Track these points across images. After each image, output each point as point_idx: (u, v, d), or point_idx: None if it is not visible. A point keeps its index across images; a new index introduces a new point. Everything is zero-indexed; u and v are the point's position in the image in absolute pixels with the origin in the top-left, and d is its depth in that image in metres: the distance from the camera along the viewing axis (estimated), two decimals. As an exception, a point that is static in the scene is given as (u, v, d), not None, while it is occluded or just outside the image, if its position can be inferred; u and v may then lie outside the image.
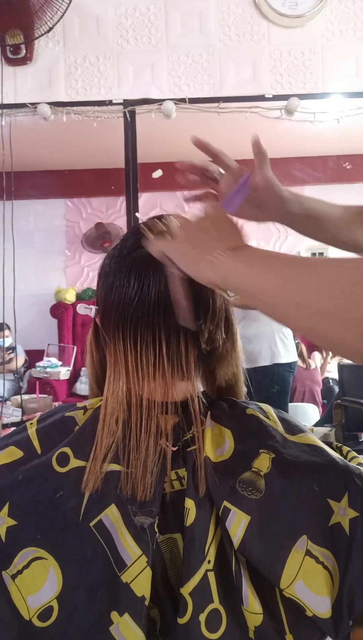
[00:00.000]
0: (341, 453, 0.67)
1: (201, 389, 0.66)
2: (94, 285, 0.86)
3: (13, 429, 0.76)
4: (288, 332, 2.61)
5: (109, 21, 2.45)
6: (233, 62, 2.44)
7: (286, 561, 0.54)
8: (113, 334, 0.62)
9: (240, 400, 0.68)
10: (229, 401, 0.66)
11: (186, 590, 0.53)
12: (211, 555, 0.55)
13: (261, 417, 0.64)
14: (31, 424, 0.67)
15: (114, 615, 0.53)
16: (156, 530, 0.56)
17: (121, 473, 0.58)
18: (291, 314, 0.47)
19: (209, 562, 0.55)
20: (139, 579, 0.54)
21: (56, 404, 2.80)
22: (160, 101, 2.40)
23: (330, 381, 3.70)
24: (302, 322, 0.47)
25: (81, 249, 4.13)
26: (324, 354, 3.92)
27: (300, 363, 3.37)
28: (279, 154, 3.50)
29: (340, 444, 0.70)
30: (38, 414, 0.74)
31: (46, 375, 3.63)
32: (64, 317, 3.99)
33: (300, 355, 3.51)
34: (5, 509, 0.58)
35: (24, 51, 2.38)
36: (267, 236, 3.96)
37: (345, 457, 0.65)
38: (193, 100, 2.41)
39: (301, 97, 2.40)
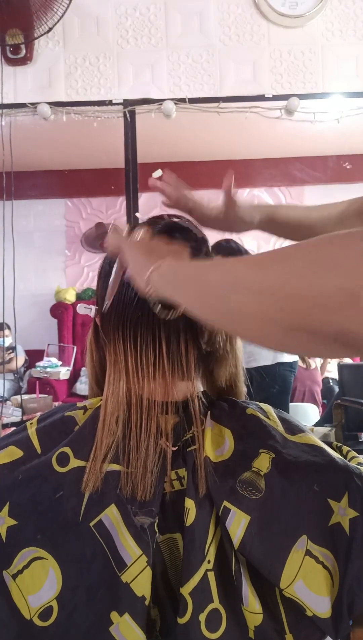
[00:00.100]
0: (341, 453, 0.67)
1: (201, 389, 0.66)
2: (94, 285, 0.86)
3: (13, 429, 0.76)
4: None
5: (109, 21, 2.45)
6: (233, 62, 2.44)
7: (286, 561, 0.54)
8: (113, 333, 0.62)
9: (240, 400, 0.68)
10: (229, 401, 0.66)
11: (186, 590, 0.53)
12: (211, 555, 0.55)
13: (261, 417, 0.64)
14: (31, 423, 0.67)
15: (114, 615, 0.53)
16: (156, 530, 0.56)
17: (121, 473, 0.58)
18: (211, 320, 0.51)
19: (209, 562, 0.55)
20: (139, 578, 0.54)
21: (56, 403, 2.80)
22: (160, 101, 2.40)
23: (330, 381, 3.70)
24: (225, 327, 0.51)
25: (81, 249, 4.13)
26: (324, 354, 3.92)
27: (300, 363, 3.37)
28: (279, 154, 3.50)
29: (340, 444, 0.70)
30: (38, 414, 0.74)
31: (46, 375, 3.63)
32: (64, 317, 3.99)
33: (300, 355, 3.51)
34: (6, 508, 0.58)
35: (24, 51, 2.38)
36: (267, 236, 3.95)
37: (345, 457, 0.65)
38: (193, 100, 2.41)
39: (301, 97, 2.40)
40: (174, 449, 0.60)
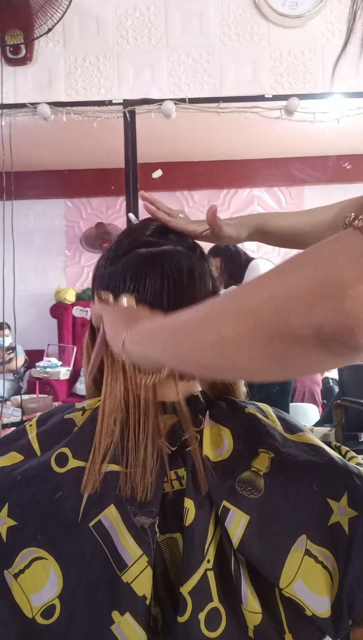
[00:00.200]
0: (340, 453, 0.67)
1: (200, 389, 0.66)
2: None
3: (13, 429, 0.76)
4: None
5: (109, 21, 2.45)
6: (233, 62, 2.44)
7: (286, 561, 0.54)
8: None
9: (239, 399, 0.68)
10: (228, 401, 0.66)
11: (185, 589, 0.54)
12: (210, 554, 0.55)
13: (260, 416, 0.64)
14: (30, 425, 0.67)
15: (115, 614, 0.53)
16: (157, 530, 0.56)
17: (120, 473, 0.58)
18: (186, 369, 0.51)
19: (208, 561, 0.55)
20: (140, 578, 0.54)
21: (56, 404, 2.80)
22: (160, 101, 2.40)
23: (330, 381, 3.70)
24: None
25: (81, 249, 4.13)
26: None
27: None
28: (279, 154, 3.50)
29: (338, 444, 0.70)
30: (38, 414, 0.74)
31: (45, 375, 3.63)
32: (64, 317, 3.99)
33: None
34: (5, 509, 0.58)
35: (24, 51, 2.38)
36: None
37: (344, 457, 0.65)
38: (193, 100, 2.41)
39: (301, 97, 2.40)
40: (173, 449, 0.60)
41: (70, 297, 4.04)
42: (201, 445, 0.59)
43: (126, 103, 2.43)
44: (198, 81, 2.44)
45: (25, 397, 2.64)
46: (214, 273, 0.66)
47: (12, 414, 2.49)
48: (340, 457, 0.63)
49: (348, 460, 0.64)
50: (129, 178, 2.48)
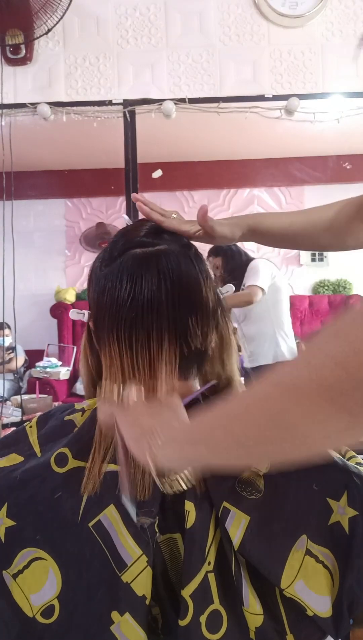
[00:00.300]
0: (340, 452, 0.67)
1: (198, 388, 0.66)
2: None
3: (13, 429, 0.76)
4: (289, 331, 2.61)
5: (109, 21, 2.45)
6: (233, 62, 2.44)
7: (286, 561, 0.54)
8: (107, 336, 0.62)
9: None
10: (228, 400, 0.66)
11: (186, 592, 0.53)
12: (211, 556, 0.55)
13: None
14: (30, 427, 0.67)
15: (115, 614, 0.53)
16: (157, 530, 0.56)
17: (119, 473, 0.58)
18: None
19: (209, 563, 0.55)
20: (139, 578, 0.54)
21: (56, 404, 2.80)
22: (160, 101, 2.40)
23: (330, 381, 3.69)
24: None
25: (81, 249, 4.13)
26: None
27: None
28: (279, 154, 3.50)
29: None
30: (38, 414, 0.74)
31: (45, 375, 3.63)
32: (64, 317, 3.99)
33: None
34: (4, 509, 0.58)
35: (24, 51, 2.38)
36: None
37: (344, 457, 0.65)
38: (193, 100, 2.41)
39: (301, 97, 2.40)
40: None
41: (70, 297, 4.04)
42: None
43: (126, 103, 2.43)
44: (198, 81, 2.44)
45: (25, 397, 2.64)
46: (210, 272, 0.66)
47: (12, 414, 2.49)
48: (340, 456, 0.63)
49: (348, 459, 0.64)
50: (129, 178, 2.48)
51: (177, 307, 0.60)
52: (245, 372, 2.63)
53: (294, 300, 3.59)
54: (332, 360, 0.36)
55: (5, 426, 2.21)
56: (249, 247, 2.88)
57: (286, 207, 4.03)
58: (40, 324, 3.94)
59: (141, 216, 0.76)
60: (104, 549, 0.55)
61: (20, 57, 2.39)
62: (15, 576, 0.55)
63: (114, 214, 4.03)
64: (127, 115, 2.43)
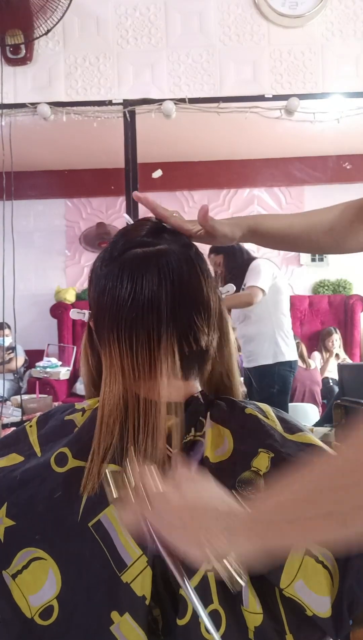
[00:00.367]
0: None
1: (199, 389, 0.66)
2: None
3: (13, 429, 0.76)
4: (288, 332, 2.61)
5: (109, 21, 2.45)
6: (233, 62, 2.44)
7: (286, 561, 0.54)
8: (108, 336, 0.62)
9: (239, 399, 0.68)
10: (228, 401, 0.66)
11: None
12: (211, 555, 0.55)
13: (260, 416, 0.64)
14: (30, 426, 0.66)
15: (114, 615, 0.53)
16: (156, 529, 0.56)
17: (119, 473, 0.58)
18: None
19: (208, 562, 0.55)
20: (139, 578, 0.54)
21: (56, 404, 2.80)
22: (160, 101, 2.40)
23: (330, 381, 3.70)
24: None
25: (80, 249, 4.13)
26: (324, 355, 3.93)
27: (300, 363, 3.37)
28: (279, 154, 3.50)
29: (339, 444, 0.70)
30: (38, 414, 0.74)
31: (45, 375, 3.63)
32: (64, 317, 4.00)
33: (300, 355, 3.51)
34: (4, 509, 0.58)
35: (24, 51, 2.38)
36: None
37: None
38: (193, 100, 2.41)
39: (301, 97, 2.40)
40: (174, 450, 0.60)
41: (70, 297, 4.04)
42: (204, 449, 0.59)
43: (126, 103, 2.43)
44: (198, 81, 2.44)
45: (25, 397, 2.64)
46: (211, 271, 0.66)
47: (12, 414, 2.49)
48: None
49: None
50: (129, 178, 2.48)
51: (178, 307, 0.60)
52: (244, 372, 2.63)
53: (294, 300, 3.59)
54: None
55: (5, 426, 2.21)
56: (249, 247, 2.88)
57: (286, 207, 4.03)
58: (40, 324, 3.94)
59: (141, 215, 0.76)
60: (104, 549, 0.55)
61: (20, 57, 2.39)
62: (14, 576, 0.55)
63: (114, 214, 4.03)
64: (127, 115, 2.43)
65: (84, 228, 4.09)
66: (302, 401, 3.51)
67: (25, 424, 0.68)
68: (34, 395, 2.71)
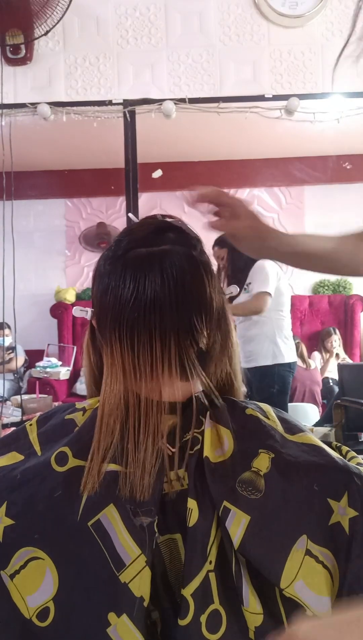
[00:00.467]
0: (340, 453, 0.67)
1: (200, 389, 0.66)
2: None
3: (13, 429, 0.76)
4: (288, 333, 2.61)
5: (109, 21, 2.45)
6: (233, 62, 2.44)
7: (286, 561, 0.54)
8: (109, 335, 0.62)
9: (240, 400, 0.68)
10: (228, 401, 0.66)
11: (187, 591, 0.53)
12: (212, 555, 0.55)
13: (261, 416, 0.64)
14: (30, 425, 0.67)
15: (111, 616, 0.53)
16: (156, 530, 0.56)
17: (119, 473, 0.58)
18: None
19: (210, 562, 0.55)
20: (137, 579, 0.53)
21: (56, 404, 2.80)
22: (160, 101, 2.40)
23: (330, 381, 3.70)
24: None
25: (81, 249, 4.13)
26: (324, 355, 3.93)
27: (300, 363, 3.37)
28: (279, 154, 3.50)
29: (339, 444, 0.70)
30: (38, 414, 0.74)
31: (45, 375, 3.63)
32: (64, 317, 4.00)
33: (300, 355, 3.51)
34: (3, 508, 0.58)
35: (24, 51, 2.39)
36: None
37: (345, 457, 0.65)
38: (193, 100, 2.41)
39: (301, 97, 2.40)
40: (174, 449, 0.60)
41: (70, 297, 4.04)
42: (202, 447, 0.59)
43: (126, 103, 2.43)
44: (198, 81, 2.44)
45: (25, 397, 2.65)
46: (215, 271, 0.66)
47: (12, 414, 2.49)
48: (341, 457, 0.62)
49: (349, 460, 0.64)
50: (129, 178, 2.48)
51: (180, 307, 0.60)
52: (244, 373, 2.62)
53: (294, 300, 3.59)
54: None
55: (5, 426, 2.21)
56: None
57: (286, 207, 4.04)
58: (40, 324, 3.94)
59: (142, 216, 0.76)
60: (103, 548, 0.55)
61: (20, 57, 2.39)
62: (12, 577, 0.55)
63: (114, 214, 4.03)
64: (127, 115, 2.43)
65: (84, 228, 4.09)
66: (302, 401, 3.51)
67: (25, 423, 0.68)
68: (34, 395, 2.71)
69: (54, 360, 3.78)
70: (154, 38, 2.45)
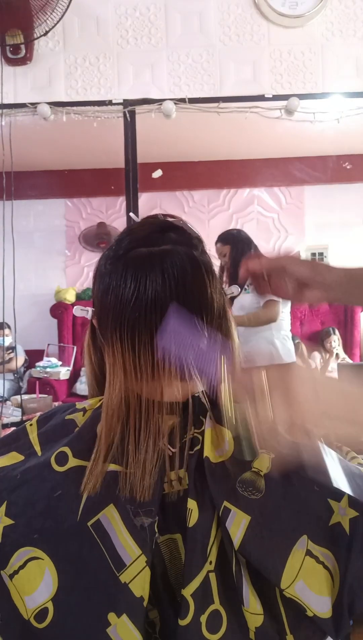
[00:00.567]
0: (341, 453, 0.67)
1: (201, 389, 0.66)
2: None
3: (13, 429, 0.76)
4: (287, 333, 2.60)
5: (109, 21, 2.45)
6: (233, 62, 2.44)
7: (287, 561, 0.54)
8: (110, 335, 0.62)
9: (240, 400, 0.68)
10: (229, 401, 0.66)
11: (187, 591, 0.53)
12: (212, 556, 0.55)
13: (261, 417, 0.64)
14: (31, 425, 0.66)
15: (111, 616, 0.53)
16: (156, 530, 0.56)
17: (119, 473, 0.58)
18: None
19: (210, 562, 0.55)
20: (138, 579, 0.53)
21: (56, 404, 2.80)
22: (160, 101, 2.40)
23: (330, 381, 3.69)
24: None
25: (81, 249, 4.13)
26: (324, 355, 3.92)
27: (299, 363, 3.36)
28: (279, 154, 3.50)
29: (340, 444, 0.70)
30: (38, 414, 0.74)
31: (45, 375, 3.63)
32: (64, 317, 3.99)
33: (300, 355, 3.51)
34: (3, 508, 0.58)
35: (24, 51, 2.38)
36: (267, 236, 3.96)
37: (345, 457, 0.65)
38: (193, 100, 2.41)
39: (301, 97, 2.40)
40: (174, 449, 0.60)
41: (70, 297, 4.04)
42: (202, 447, 0.59)
43: (126, 103, 2.43)
44: (198, 81, 2.44)
45: (25, 397, 2.64)
46: (216, 272, 0.66)
47: (12, 414, 2.49)
48: (341, 457, 0.63)
49: (350, 460, 0.64)
50: (129, 178, 2.48)
51: (181, 307, 0.60)
52: None
53: (294, 300, 3.58)
54: None
55: (5, 426, 2.21)
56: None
57: (286, 207, 4.03)
58: (40, 324, 3.94)
59: (142, 216, 0.76)
60: (103, 548, 0.55)
61: (20, 57, 2.39)
62: (11, 576, 0.55)
63: (114, 214, 4.03)
64: (127, 115, 2.43)
65: (84, 228, 4.09)
66: (302, 401, 3.50)
67: (25, 423, 0.68)
68: (34, 395, 2.71)
69: (54, 360, 3.77)
70: (154, 38, 2.45)
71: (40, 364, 3.71)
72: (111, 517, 0.56)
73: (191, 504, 0.56)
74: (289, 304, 2.62)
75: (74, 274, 4.18)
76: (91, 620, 0.53)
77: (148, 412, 0.60)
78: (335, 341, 3.87)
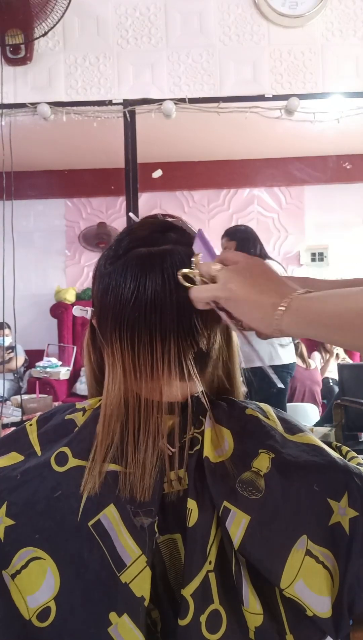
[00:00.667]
0: (340, 453, 0.67)
1: (201, 389, 0.66)
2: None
3: (13, 429, 0.76)
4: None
5: (109, 21, 2.45)
6: (233, 62, 2.44)
7: (287, 561, 0.54)
8: (110, 335, 0.62)
9: (239, 400, 0.68)
10: (228, 401, 0.66)
11: (187, 591, 0.53)
12: (212, 555, 0.55)
13: (261, 417, 0.64)
14: (31, 425, 0.66)
15: (112, 615, 0.53)
16: (156, 530, 0.56)
17: (119, 473, 0.58)
18: None
19: (210, 562, 0.55)
20: (138, 579, 0.53)
21: (56, 403, 2.80)
22: (160, 101, 2.40)
23: (330, 381, 3.70)
24: None
25: (81, 249, 4.13)
26: (324, 355, 3.93)
27: (299, 363, 3.37)
28: (279, 154, 3.50)
29: (339, 444, 0.70)
30: (38, 414, 0.74)
31: (45, 375, 3.63)
32: (64, 317, 4.00)
33: (300, 355, 3.51)
34: (3, 508, 0.58)
35: (24, 51, 2.38)
36: (267, 236, 3.96)
37: (345, 457, 0.65)
38: (193, 100, 2.41)
39: (301, 97, 2.40)
40: (174, 449, 0.60)
41: (70, 297, 4.04)
42: (202, 447, 0.59)
43: (126, 103, 2.43)
44: (198, 81, 2.44)
45: (25, 397, 2.65)
46: None
47: (12, 414, 2.49)
48: (341, 457, 0.62)
49: (349, 460, 0.64)
50: (129, 178, 2.48)
51: (181, 307, 0.60)
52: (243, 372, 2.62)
53: (294, 300, 3.58)
54: None
55: (5, 426, 2.21)
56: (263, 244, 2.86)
57: (286, 207, 4.04)
58: (40, 324, 3.94)
59: (141, 216, 0.76)
60: (103, 548, 0.55)
61: (20, 57, 2.39)
62: (13, 576, 0.55)
63: (114, 214, 4.03)
64: (127, 115, 2.43)
65: (84, 228, 4.09)
66: (302, 401, 3.51)
67: (25, 423, 0.68)
68: (34, 395, 2.71)
69: (54, 360, 3.78)
70: (154, 38, 2.45)
71: (40, 364, 3.71)
72: (111, 517, 0.56)
73: (191, 504, 0.56)
74: None
75: (74, 274, 4.19)
76: (92, 619, 0.53)
77: (148, 412, 0.60)
78: (335, 341, 3.87)
